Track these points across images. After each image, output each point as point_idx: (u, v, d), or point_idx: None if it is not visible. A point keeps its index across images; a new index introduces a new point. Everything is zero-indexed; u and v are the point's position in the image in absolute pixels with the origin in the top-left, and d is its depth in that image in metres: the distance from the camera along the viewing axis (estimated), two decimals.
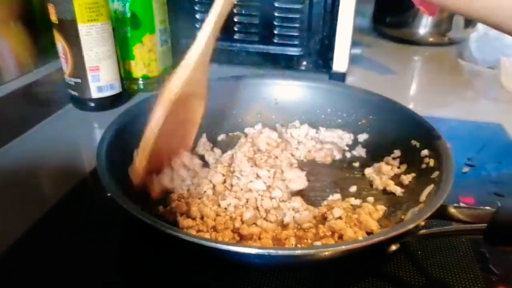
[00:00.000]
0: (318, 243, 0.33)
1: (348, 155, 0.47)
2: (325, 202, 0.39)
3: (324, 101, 0.51)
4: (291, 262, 0.31)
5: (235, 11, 0.65)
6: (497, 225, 0.27)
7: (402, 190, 0.39)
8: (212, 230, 0.34)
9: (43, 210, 0.38)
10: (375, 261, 0.33)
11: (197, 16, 0.67)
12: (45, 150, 0.49)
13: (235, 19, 0.66)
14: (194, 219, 0.36)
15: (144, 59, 0.61)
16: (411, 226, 0.29)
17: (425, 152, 0.40)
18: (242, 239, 0.34)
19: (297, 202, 0.38)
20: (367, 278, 0.32)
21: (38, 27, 0.56)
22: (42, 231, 0.37)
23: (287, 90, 0.52)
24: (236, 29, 0.67)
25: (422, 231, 0.30)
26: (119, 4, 0.58)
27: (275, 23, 0.65)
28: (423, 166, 0.39)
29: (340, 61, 0.64)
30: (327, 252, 0.29)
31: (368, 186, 0.42)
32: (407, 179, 0.40)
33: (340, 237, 0.33)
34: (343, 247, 0.29)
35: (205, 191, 0.38)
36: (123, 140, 0.40)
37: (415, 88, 0.73)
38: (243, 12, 0.65)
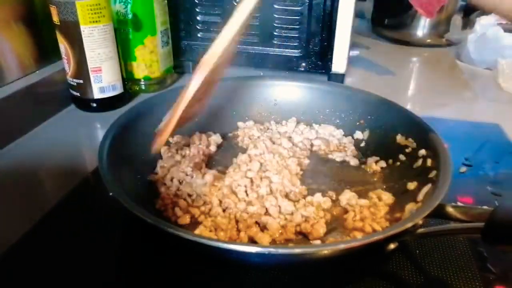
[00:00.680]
0: (317, 241, 0.34)
1: (346, 155, 0.47)
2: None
3: (323, 101, 0.52)
4: (290, 260, 0.31)
5: None
6: (495, 224, 0.27)
7: (400, 189, 0.40)
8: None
9: (44, 210, 0.39)
10: (373, 259, 0.33)
11: (198, 17, 0.67)
12: (47, 151, 0.49)
13: None
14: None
15: (146, 60, 0.62)
16: (409, 225, 0.29)
17: (422, 152, 0.40)
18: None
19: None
20: (366, 277, 0.32)
21: (40, 28, 0.57)
22: (43, 231, 0.37)
23: (286, 91, 0.53)
24: None
25: (420, 230, 0.31)
26: (121, 6, 0.58)
27: (275, 24, 0.65)
28: (421, 165, 0.39)
29: (339, 62, 0.64)
30: (326, 251, 0.29)
31: (366, 185, 0.42)
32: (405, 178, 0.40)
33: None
34: (342, 246, 0.29)
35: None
36: (124, 140, 0.40)
37: (413, 89, 0.74)
38: None
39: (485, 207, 0.31)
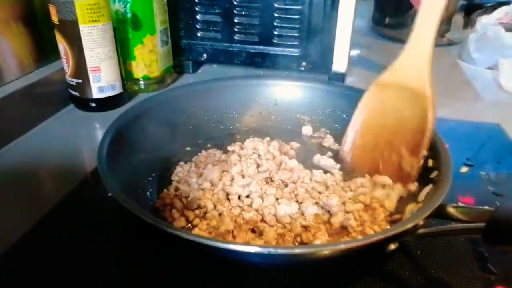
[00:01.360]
0: (317, 241, 0.33)
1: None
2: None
3: (324, 101, 0.51)
4: (290, 260, 0.31)
5: (235, 11, 0.65)
6: (496, 224, 0.27)
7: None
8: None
9: (44, 210, 0.38)
10: (374, 260, 0.33)
11: (198, 16, 0.67)
12: (46, 150, 0.49)
13: (235, 20, 0.66)
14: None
15: (145, 59, 0.62)
16: (410, 225, 0.29)
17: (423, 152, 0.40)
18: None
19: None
20: (366, 277, 0.32)
21: (39, 28, 0.57)
22: (43, 231, 0.37)
23: (287, 91, 0.53)
24: (236, 29, 0.67)
25: (421, 231, 0.31)
26: (120, 5, 0.58)
27: (275, 23, 0.65)
28: (422, 166, 0.39)
29: (339, 62, 0.64)
30: (326, 251, 0.29)
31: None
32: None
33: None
34: (342, 246, 0.29)
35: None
36: (124, 140, 0.40)
37: None
38: (243, 12, 0.65)
39: (486, 207, 0.30)
